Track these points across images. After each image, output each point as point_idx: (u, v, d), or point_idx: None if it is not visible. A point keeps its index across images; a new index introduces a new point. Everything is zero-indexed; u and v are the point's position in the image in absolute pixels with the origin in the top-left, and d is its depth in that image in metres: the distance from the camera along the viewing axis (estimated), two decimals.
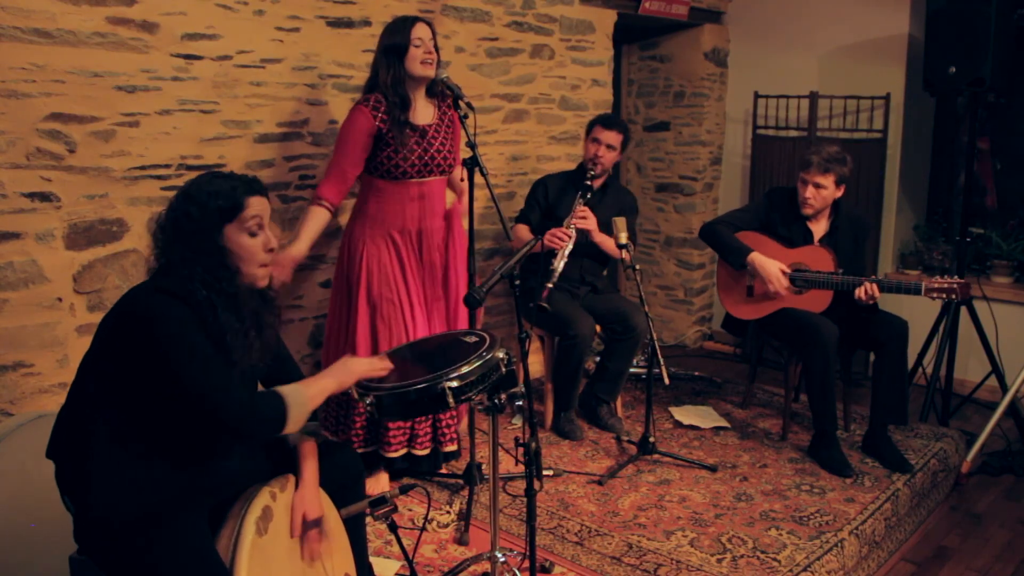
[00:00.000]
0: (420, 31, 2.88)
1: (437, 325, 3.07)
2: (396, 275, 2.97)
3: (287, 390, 1.88)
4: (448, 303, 3.12)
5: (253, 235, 1.88)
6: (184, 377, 1.74)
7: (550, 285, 3.32)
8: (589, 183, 3.59)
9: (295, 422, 1.87)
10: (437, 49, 2.94)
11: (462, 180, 2.94)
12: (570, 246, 3.46)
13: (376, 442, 3.04)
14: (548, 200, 3.76)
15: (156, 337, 1.73)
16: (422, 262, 3.03)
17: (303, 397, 1.89)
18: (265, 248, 1.91)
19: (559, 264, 3.41)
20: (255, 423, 1.82)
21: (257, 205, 1.88)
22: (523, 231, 3.72)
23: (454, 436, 3.16)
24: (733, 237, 3.60)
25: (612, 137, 3.65)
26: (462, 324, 3.12)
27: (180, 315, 1.75)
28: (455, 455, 3.22)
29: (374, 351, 2.94)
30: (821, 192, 3.42)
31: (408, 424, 3.05)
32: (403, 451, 3.06)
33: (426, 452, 3.10)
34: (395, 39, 2.87)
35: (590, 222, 3.55)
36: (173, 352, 1.73)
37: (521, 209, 3.88)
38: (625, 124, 3.75)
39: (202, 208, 1.82)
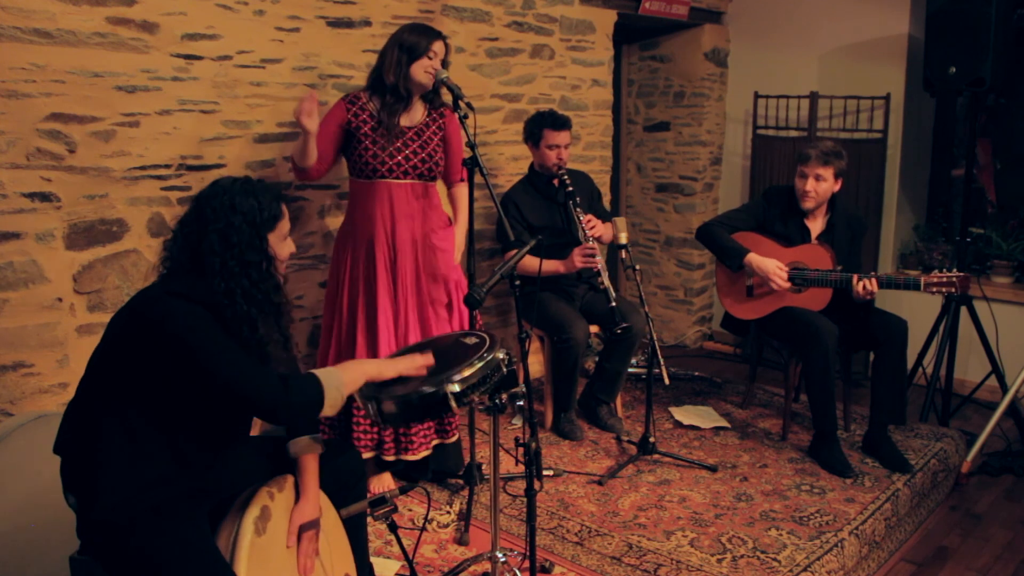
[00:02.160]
0: (438, 46, 2.91)
1: (410, 336, 3.00)
2: (369, 280, 2.97)
3: (323, 373, 1.90)
4: (437, 309, 3.08)
5: (283, 240, 1.96)
6: (213, 369, 1.75)
7: (613, 304, 3.35)
8: (571, 189, 3.56)
9: (332, 404, 1.89)
10: (446, 65, 2.96)
11: (462, 180, 2.94)
12: (601, 258, 3.47)
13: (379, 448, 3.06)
14: (525, 217, 3.67)
15: (176, 336, 1.74)
16: (395, 267, 2.98)
17: (338, 379, 1.91)
18: (290, 252, 1.99)
19: (606, 279, 3.42)
20: (291, 404, 1.83)
21: (287, 212, 1.97)
22: (531, 261, 3.48)
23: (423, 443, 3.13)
24: (729, 238, 3.60)
25: (566, 136, 3.61)
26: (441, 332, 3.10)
27: (196, 313, 1.77)
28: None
29: (353, 355, 2.96)
30: (821, 184, 3.42)
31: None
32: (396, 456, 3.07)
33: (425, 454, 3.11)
34: (415, 41, 2.88)
35: (600, 228, 3.55)
36: (197, 346, 1.74)
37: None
38: (566, 116, 3.66)
39: (250, 219, 1.86)
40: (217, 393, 1.78)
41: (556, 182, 3.62)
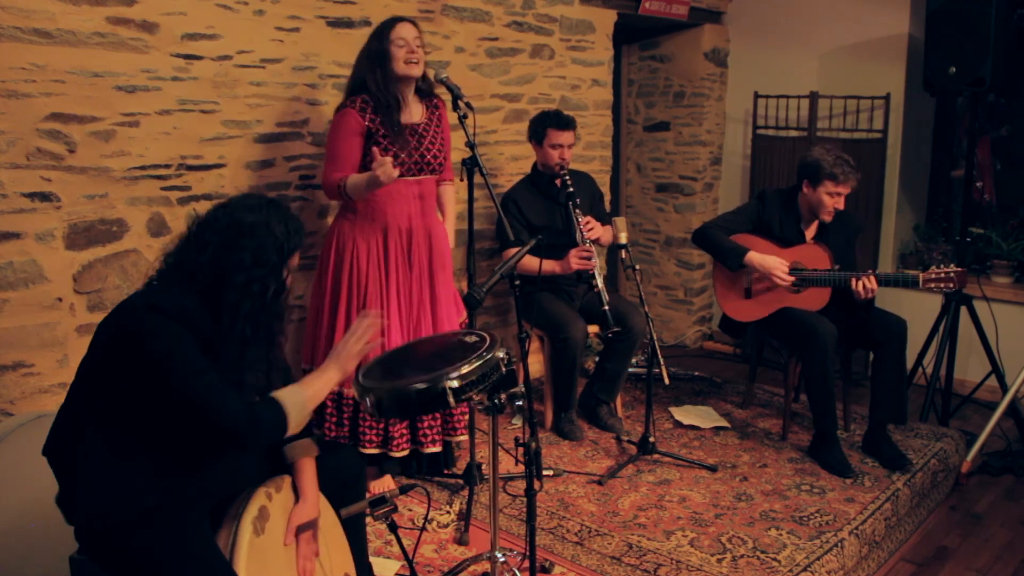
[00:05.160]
0: (401, 31, 2.87)
1: (421, 328, 3.03)
2: (380, 277, 2.97)
3: (283, 394, 1.88)
4: (433, 307, 3.09)
5: (290, 274, 1.97)
6: (185, 392, 1.73)
7: (606, 308, 3.35)
8: (571, 190, 3.55)
9: (296, 424, 1.87)
10: (423, 48, 2.93)
11: (462, 179, 2.94)
12: (597, 260, 3.46)
13: (386, 444, 3.07)
14: (525, 216, 3.68)
15: (152, 354, 1.73)
16: (411, 263, 3.01)
17: (301, 398, 1.89)
18: (288, 286, 1.98)
19: (601, 281, 3.42)
20: (256, 432, 1.81)
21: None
22: (531, 261, 3.47)
23: (436, 437, 3.14)
24: (727, 239, 3.60)
25: (569, 136, 3.61)
26: (446, 328, 3.11)
27: (174, 332, 1.74)
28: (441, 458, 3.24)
29: None
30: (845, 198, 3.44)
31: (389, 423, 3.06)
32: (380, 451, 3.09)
33: (404, 454, 3.10)
34: (374, 44, 2.88)
35: (598, 230, 3.54)
36: (170, 368, 1.73)
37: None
38: (573, 117, 3.66)
39: (278, 245, 1.86)
40: (187, 413, 1.76)
41: (558, 182, 3.62)
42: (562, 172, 3.58)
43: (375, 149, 2.79)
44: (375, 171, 2.72)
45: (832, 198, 3.43)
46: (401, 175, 2.91)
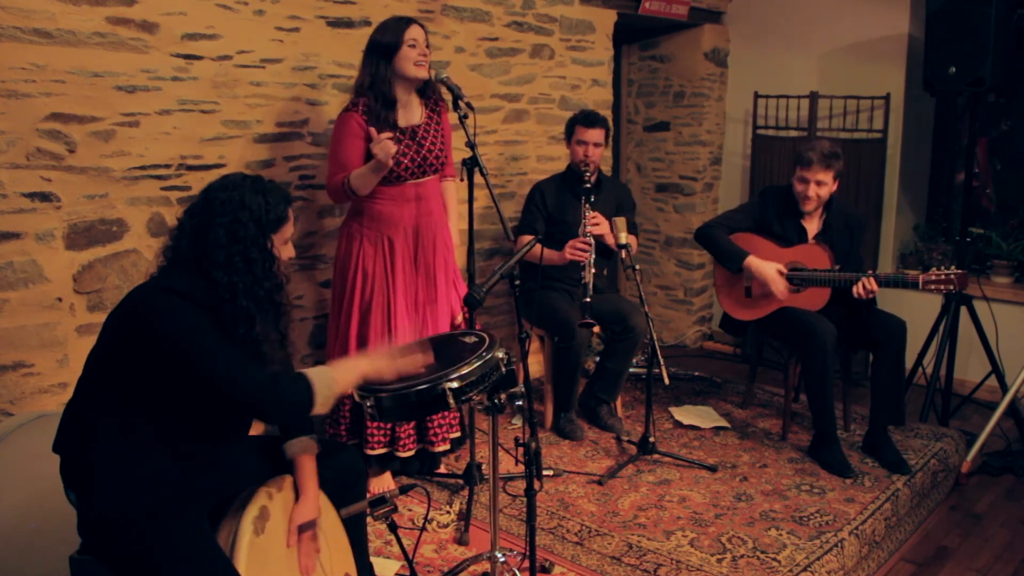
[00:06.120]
0: (415, 32, 2.87)
1: (428, 328, 3.05)
2: (386, 277, 2.98)
3: (313, 371, 1.89)
4: (439, 306, 3.10)
5: (284, 244, 1.96)
6: (202, 367, 1.75)
7: (588, 300, 3.34)
8: (589, 186, 3.58)
9: (323, 402, 1.88)
10: (444, 66, 2.94)
11: (462, 179, 2.95)
12: (592, 255, 3.46)
13: (393, 444, 3.08)
14: (547, 207, 3.73)
15: (167, 334, 1.74)
16: (416, 264, 3.03)
17: (328, 377, 1.90)
18: (288, 257, 1.98)
19: (590, 275, 3.42)
20: (280, 403, 1.82)
21: (292, 217, 1.97)
22: (537, 249, 3.49)
23: (446, 436, 3.15)
24: (729, 241, 3.59)
25: (597, 135, 3.64)
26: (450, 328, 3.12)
27: (187, 310, 1.77)
28: (444, 454, 3.24)
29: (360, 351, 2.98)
30: (822, 188, 3.43)
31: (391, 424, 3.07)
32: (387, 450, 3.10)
33: (410, 454, 3.11)
34: (386, 38, 2.86)
35: (603, 227, 3.54)
36: (186, 345, 1.74)
37: (522, 219, 3.81)
38: (604, 117, 3.71)
39: (256, 217, 1.86)
40: (207, 391, 1.78)
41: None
42: (585, 168, 3.59)
43: (371, 129, 2.80)
44: (373, 149, 2.73)
45: (802, 184, 3.44)
46: (403, 178, 2.92)
